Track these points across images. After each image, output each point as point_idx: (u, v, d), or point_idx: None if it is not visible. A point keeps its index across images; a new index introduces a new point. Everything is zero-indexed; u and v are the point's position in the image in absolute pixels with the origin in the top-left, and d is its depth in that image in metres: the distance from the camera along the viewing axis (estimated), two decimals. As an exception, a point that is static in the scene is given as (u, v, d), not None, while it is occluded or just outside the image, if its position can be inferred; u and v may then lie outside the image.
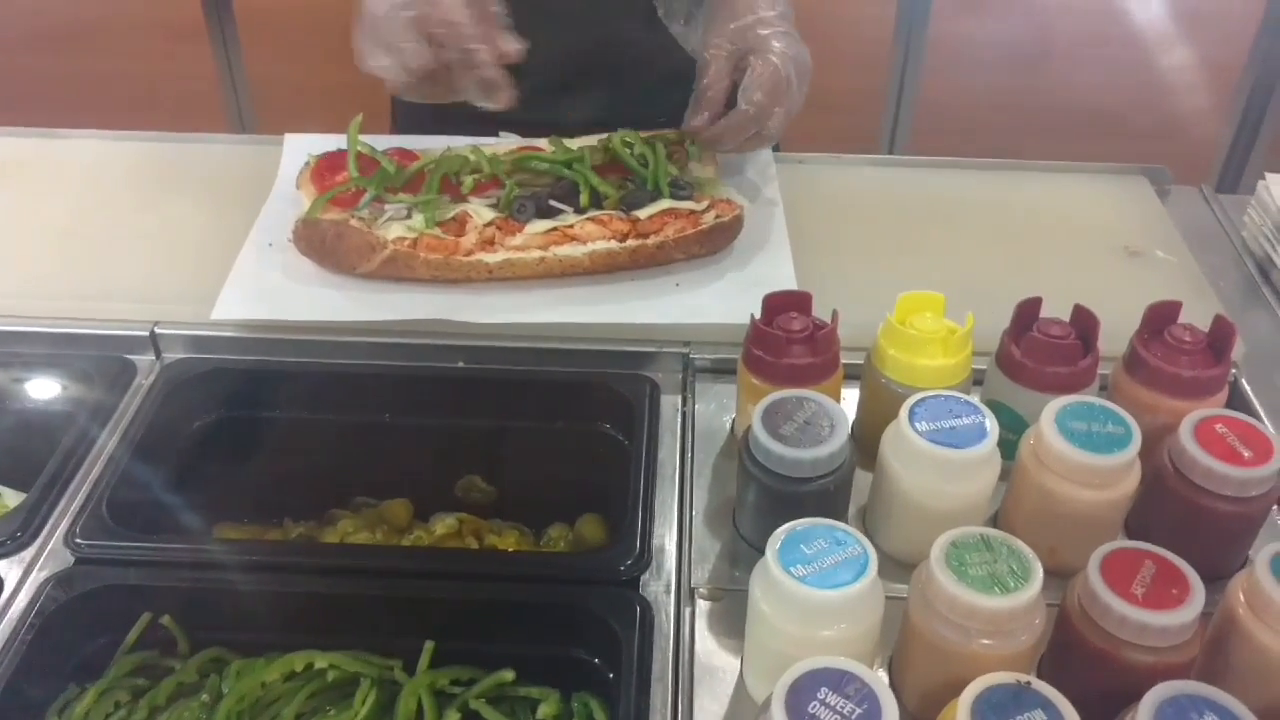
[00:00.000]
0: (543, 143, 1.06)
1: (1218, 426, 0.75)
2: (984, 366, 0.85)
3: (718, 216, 0.99)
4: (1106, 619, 0.64)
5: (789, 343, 0.81)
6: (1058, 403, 0.75)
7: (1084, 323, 0.82)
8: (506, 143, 1.07)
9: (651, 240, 0.97)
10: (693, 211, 1.00)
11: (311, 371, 0.96)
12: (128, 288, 1.00)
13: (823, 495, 0.75)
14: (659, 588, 0.77)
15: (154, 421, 0.90)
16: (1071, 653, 0.66)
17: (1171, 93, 2.55)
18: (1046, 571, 0.65)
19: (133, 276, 1.01)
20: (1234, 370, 0.93)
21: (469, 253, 0.96)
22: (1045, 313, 0.83)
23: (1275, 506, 0.84)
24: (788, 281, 0.99)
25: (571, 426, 0.94)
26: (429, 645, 0.76)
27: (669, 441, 0.89)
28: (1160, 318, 0.83)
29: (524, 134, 1.10)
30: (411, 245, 0.95)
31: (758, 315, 0.83)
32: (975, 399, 0.76)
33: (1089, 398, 0.76)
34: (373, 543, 0.94)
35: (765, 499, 0.75)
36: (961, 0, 2.42)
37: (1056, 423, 0.74)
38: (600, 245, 0.97)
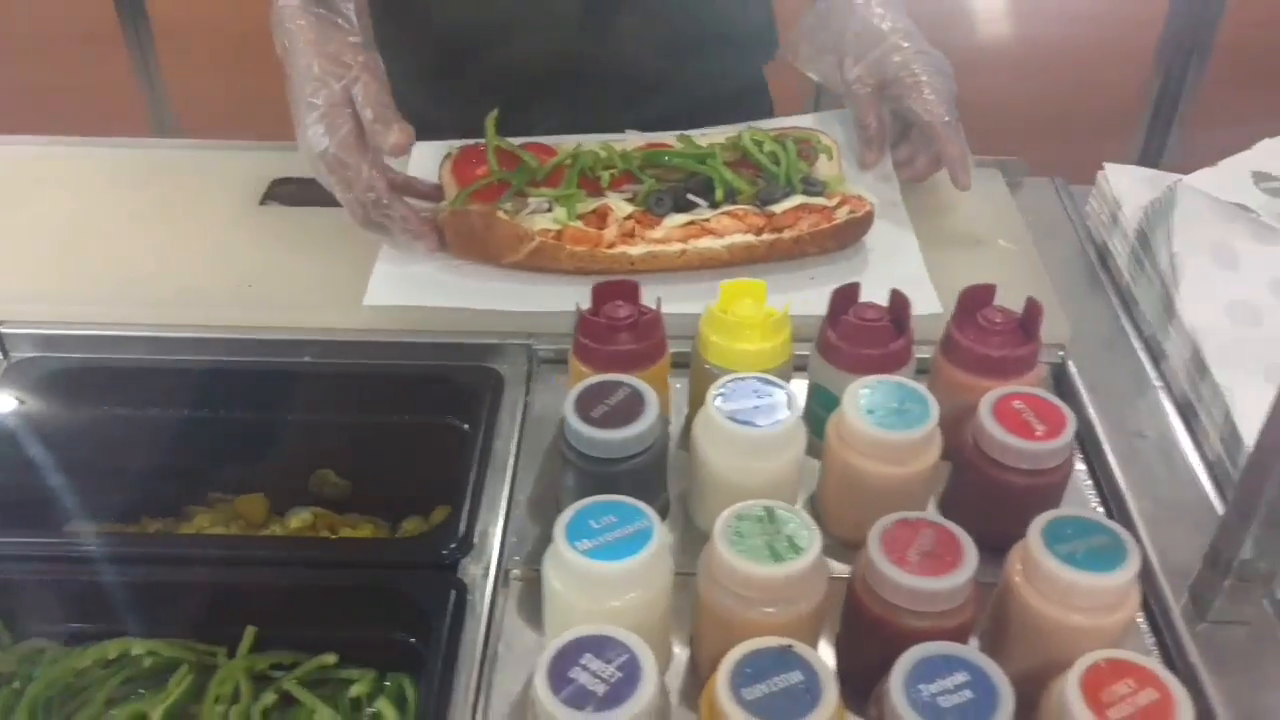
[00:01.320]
0: (670, 139, 1.10)
1: (1015, 403, 0.77)
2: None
3: (850, 212, 1.02)
4: (883, 586, 0.66)
5: (612, 330, 0.83)
6: (859, 383, 0.78)
7: (898, 306, 0.84)
8: (633, 139, 1.11)
9: (787, 234, 1.00)
10: (825, 207, 1.02)
11: (162, 369, 0.96)
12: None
13: (636, 475, 0.76)
14: (478, 571, 0.78)
15: (1, 421, 0.91)
16: (857, 620, 0.69)
17: (1085, 91, 2.59)
18: (855, 544, 0.67)
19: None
20: (1061, 353, 0.96)
21: (611, 245, 0.99)
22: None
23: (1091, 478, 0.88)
24: (920, 276, 1.01)
25: (419, 419, 0.96)
26: (250, 630, 0.77)
27: (511, 431, 0.90)
28: (974, 301, 0.85)
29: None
30: (556, 237, 0.98)
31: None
32: (779, 379, 0.78)
33: (890, 377, 0.78)
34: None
35: (581, 481, 0.77)
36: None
37: (857, 402, 0.76)
38: (738, 239, 1.00)
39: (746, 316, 0.83)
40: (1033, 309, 0.83)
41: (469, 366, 0.94)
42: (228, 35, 2.38)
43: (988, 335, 0.83)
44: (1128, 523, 0.82)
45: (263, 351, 0.97)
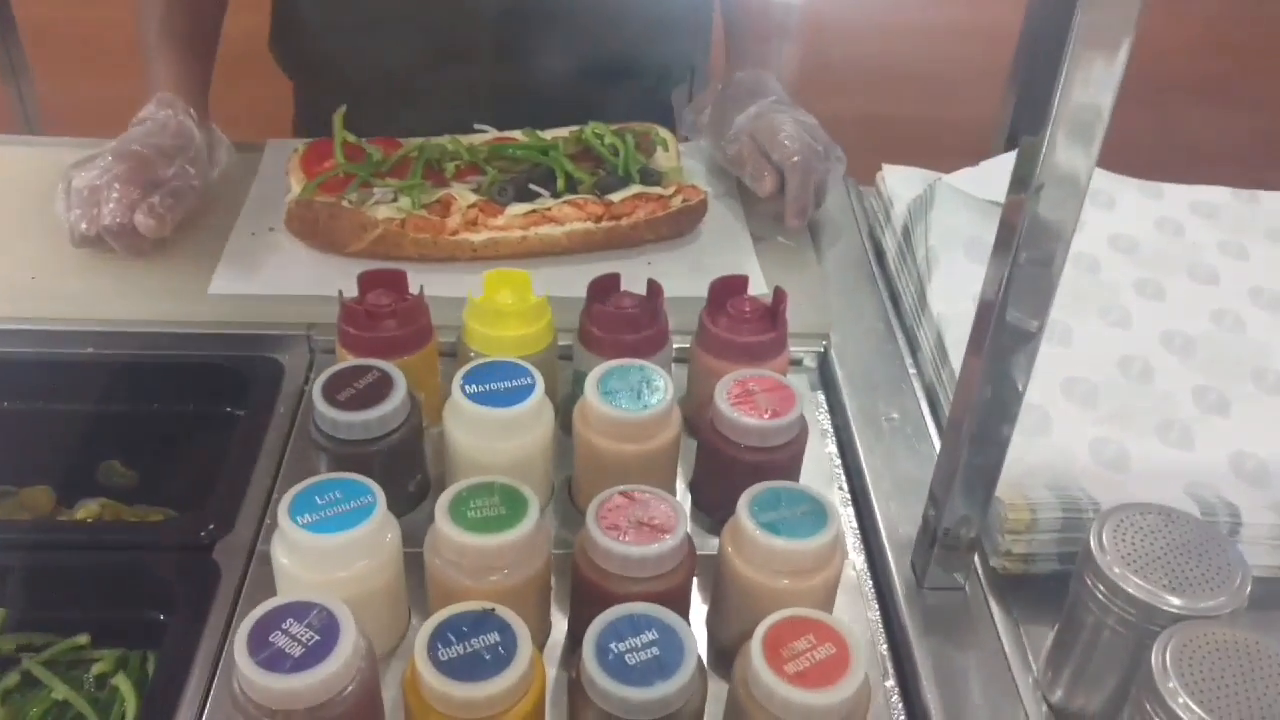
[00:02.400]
0: (518, 134, 1.13)
1: (750, 385, 0.81)
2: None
3: (684, 201, 1.08)
4: (595, 552, 0.69)
5: (373, 317, 0.86)
6: (601, 367, 0.81)
7: (652, 294, 0.88)
8: (482, 135, 1.14)
9: (624, 222, 1.06)
10: (661, 196, 1.08)
11: (-58, 361, 0.97)
12: None
13: (386, 455, 0.79)
14: (233, 552, 0.80)
15: None
16: (579, 589, 0.72)
17: (942, 108, 2.67)
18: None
19: None
20: (824, 343, 1.00)
21: (454, 232, 1.03)
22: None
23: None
24: (750, 263, 1.07)
25: (200, 409, 0.97)
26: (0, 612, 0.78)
27: (287, 419, 0.92)
28: (725, 292, 0.89)
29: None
30: (400, 225, 1.02)
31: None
32: (527, 364, 0.81)
33: (633, 360, 0.82)
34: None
35: (333, 464, 0.79)
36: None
37: (598, 385, 0.80)
38: (577, 226, 1.05)
39: (506, 305, 0.87)
40: (779, 297, 0.88)
41: (249, 357, 0.96)
42: (99, 40, 2.37)
43: (736, 323, 0.88)
44: (865, 499, 0.87)
45: (47, 343, 0.97)
